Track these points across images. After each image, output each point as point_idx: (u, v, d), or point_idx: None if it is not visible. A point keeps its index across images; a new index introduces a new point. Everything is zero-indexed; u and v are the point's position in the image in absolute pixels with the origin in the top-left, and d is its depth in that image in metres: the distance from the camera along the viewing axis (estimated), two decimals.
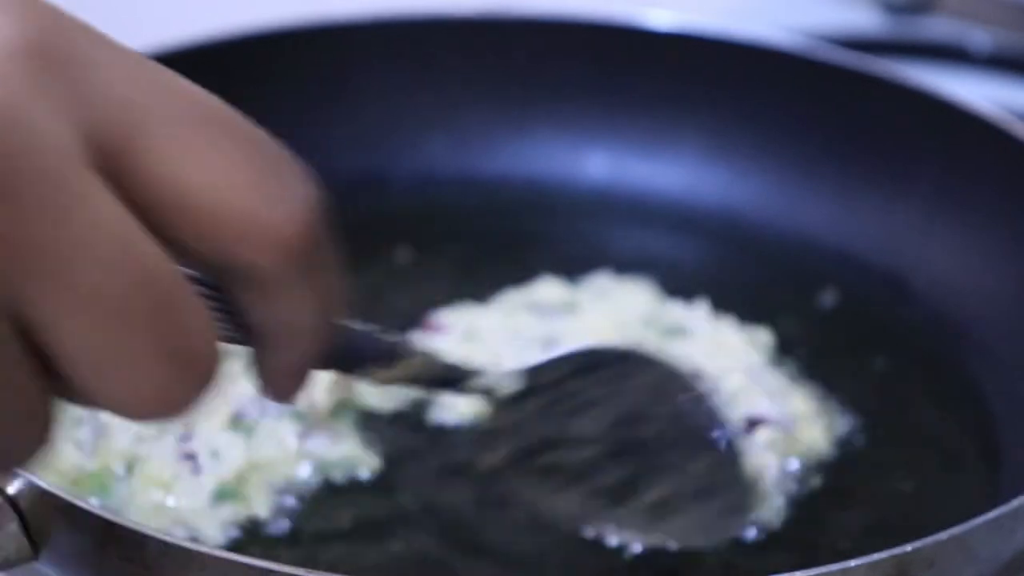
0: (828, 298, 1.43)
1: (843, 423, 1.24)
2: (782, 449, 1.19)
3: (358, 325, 0.94)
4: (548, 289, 1.37)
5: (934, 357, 1.35)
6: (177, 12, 2.02)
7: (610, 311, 1.33)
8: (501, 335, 1.30)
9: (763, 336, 1.31)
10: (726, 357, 1.27)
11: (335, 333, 0.82)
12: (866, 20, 2.14)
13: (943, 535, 0.93)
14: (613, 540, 1.11)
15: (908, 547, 0.92)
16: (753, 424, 1.20)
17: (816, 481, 1.18)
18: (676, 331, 1.31)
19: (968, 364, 1.33)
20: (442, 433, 1.22)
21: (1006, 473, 1.19)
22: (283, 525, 1.11)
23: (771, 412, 1.21)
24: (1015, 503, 0.97)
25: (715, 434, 1.03)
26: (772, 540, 1.13)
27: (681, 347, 1.28)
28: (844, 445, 1.22)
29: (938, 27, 2.10)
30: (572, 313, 1.33)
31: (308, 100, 1.59)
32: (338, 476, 1.16)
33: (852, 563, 0.92)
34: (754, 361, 1.27)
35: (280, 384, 0.85)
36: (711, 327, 1.31)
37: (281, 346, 0.78)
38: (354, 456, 1.17)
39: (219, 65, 1.55)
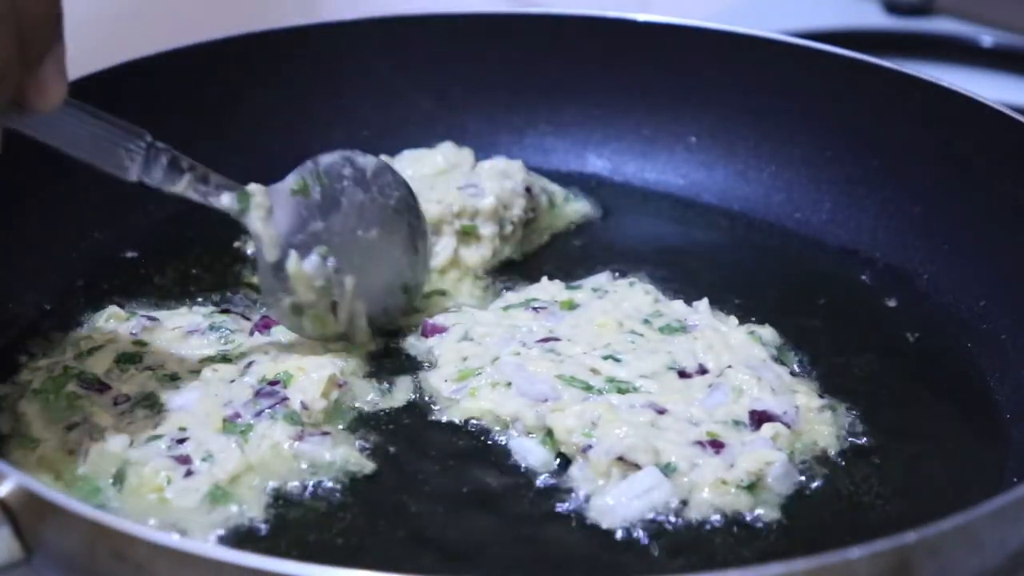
0: (832, 294, 1.42)
1: (848, 417, 1.23)
2: (787, 444, 1.18)
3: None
4: (547, 288, 1.37)
5: (939, 350, 1.33)
6: (183, 15, 2.03)
7: (610, 309, 1.32)
8: (499, 335, 1.29)
9: (767, 332, 1.30)
10: (729, 353, 1.26)
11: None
12: (869, 19, 2.14)
13: (946, 523, 0.92)
14: (618, 532, 1.10)
15: (911, 536, 0.91)
16: (758, 419, 1.19)
17: (821, 474, 1.17)
18: (677, 328, 1.30)
19: (974, 357, 1.31)
20: (437, 435, 1.21)
21: (1011, 463, 1.18)
22: (276, 526, 1.10)
23: (776, 407, 1.20)
24: (1019, 491, 0.95)
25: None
26: (778, 530, 1.11)
27: (683, 343, 1.27)
28: (850, 438, 1.21)
29: (939, 25, 2.10)
30: (572, 311, 1.32)
31: (309, 100, 1.59)
32: (332, 478, 1.15)
33: (855, 552, 0.90)
34: (758, 357, 1.26)
35: None
36: (713, 324, 1.30)
37: None
38: (348, 458, 1.16)
39: (223, 65, 1.55)
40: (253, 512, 1.11)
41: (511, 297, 1.37)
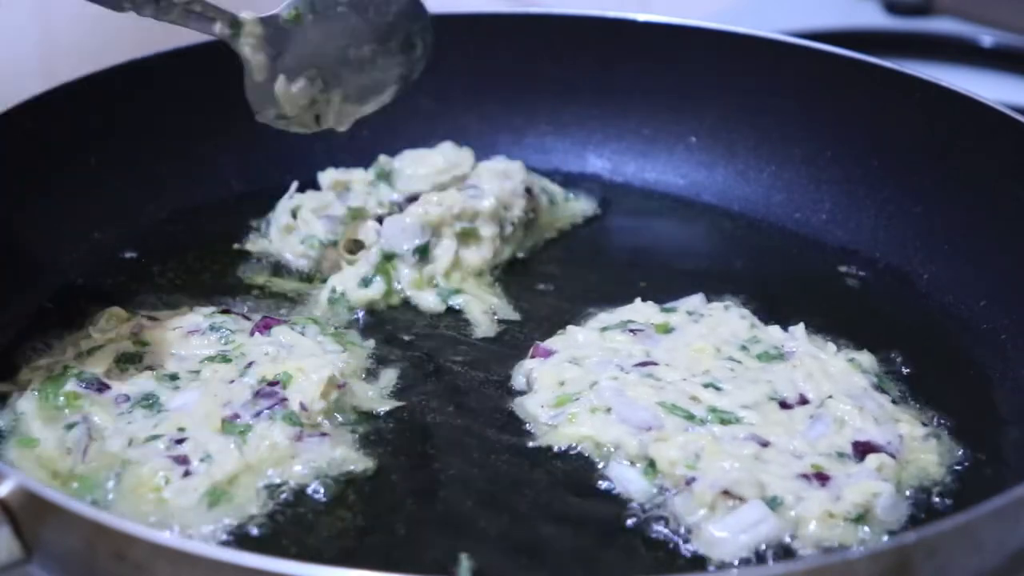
0: (831, 294, 1.41)
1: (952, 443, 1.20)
2: (893, 474, 1.14)
3: None
4: (641, 310, 1.33)
5: (939, 350, 1.33)
6: None
7: (706, 333, 1.29)
8: (598, 357, 1.26)
9: (866, 359, 1.28)
10: (829, 382, 1.23)
11: None
12: (869, 19, 2.14)
13: (946, 523, 0.92)
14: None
15: (911, 536, 0.91)
16: (862, 451, 1.16)
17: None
18: (775, 355, 1.27)
19: (974, 357, 1.31)
20: (436, 434, 1.21)
21: (1011, 463, 1.18)
22: (275, 526, 1.10)
23: (879, 438, 1.17)
24: (1019, 491, 0.95)
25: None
26: None
27: (782, 371, 1.24)
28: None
29: (939, 25, 2.10)
30: (667, 335, 1.29)
31: None
32: (331, 478, 1.15)
33: (855, 552, 0.91)
34: (858, 385, 1.23)
35: None
36: (811, 351, 1.27)
37: None
38: (347, 458, 1.16)
39: (222, 65, 1.55)
40: (251, 512, 1.11)
41: (605, 318, 1.33)
